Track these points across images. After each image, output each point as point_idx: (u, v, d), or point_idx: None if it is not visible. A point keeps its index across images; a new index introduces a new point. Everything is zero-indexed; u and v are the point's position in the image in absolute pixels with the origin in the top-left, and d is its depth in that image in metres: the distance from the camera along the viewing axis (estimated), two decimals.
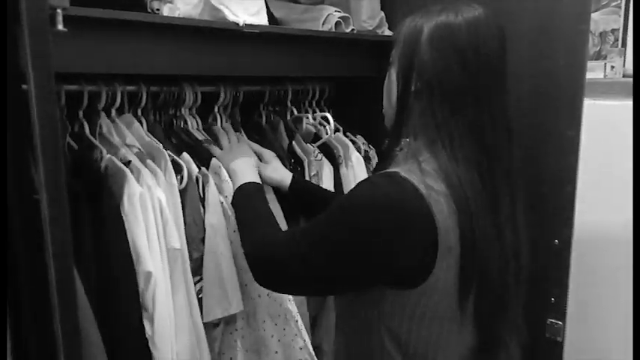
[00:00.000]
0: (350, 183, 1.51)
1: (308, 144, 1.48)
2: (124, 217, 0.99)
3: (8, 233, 0.83)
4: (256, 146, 1.32)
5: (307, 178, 1.43)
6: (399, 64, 0.93)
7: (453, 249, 0.84)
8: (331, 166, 1.46)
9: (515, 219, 0.94)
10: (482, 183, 0.88)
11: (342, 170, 1.51)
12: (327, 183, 1.46)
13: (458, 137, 0.87)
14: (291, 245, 0.93)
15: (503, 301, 0.92)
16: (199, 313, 1.10)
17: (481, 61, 0.89)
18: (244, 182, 1.15)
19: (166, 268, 1.03)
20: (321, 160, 1.45)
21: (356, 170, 1.52)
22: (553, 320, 1.37)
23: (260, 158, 1.29)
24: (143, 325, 1.00)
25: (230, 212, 1.16)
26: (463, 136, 0.88)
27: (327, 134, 1.54)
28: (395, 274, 0.86)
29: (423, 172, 0.86)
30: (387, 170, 0.89)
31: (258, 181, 1.18)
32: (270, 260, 0.96)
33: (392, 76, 0.96)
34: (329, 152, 1.50)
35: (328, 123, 1.51)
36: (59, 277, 0.77)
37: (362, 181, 0.91)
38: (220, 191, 1.17)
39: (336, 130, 1.54)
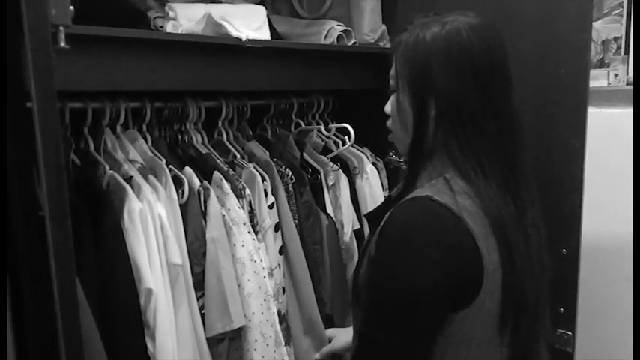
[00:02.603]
0: (366, 195, 1.53)
1: (321, 156, 1.49)
2: (124, 234, 0.99)
3: (14, 250, 0.84)
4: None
5: (325, 188, 1.44)
6: (412, 89, 0.88)
7: (496, 271, 0.82)
8: (347, 178, 1.47)
9: (539, 232, 0.92)
10: (514, 202, 0.86)
11: (358, 182, 1.53)
12: (345, 193, 1.47)
13: (487, 162, 0.85)
14: (367, 342, 0.86)
15: (538, 318, 0.90)
16: (203, 329, 1.10)
17: (495, 76, 0.86)
18: None
19: (168, 285, 1.03)
20: (338, 170, 1.46)
21: (371, 182, 1.53)
22: (562, 331, 1.35)
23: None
24: (145, 342, 1.00)
25: (230, 225, 1.16)
26: (491, 158, 0.85)
27: (336, 146, 1.55)
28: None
29: (453, 192, 0.83)
30: (417, 195, 0.84)
31: None
32: None
33: (403, 103, 0.90)
34: (343, 164, 1.51)
35: (347, 135, 1.52)
36: (62, 295, 0.77)
37: (389, 224, 0.84)
38: (222, 204, 1.17)
39: (344, 142, 1.55)
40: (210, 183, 1.19)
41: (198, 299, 1.11)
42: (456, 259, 0.80)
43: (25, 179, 0.86)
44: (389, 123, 0.97)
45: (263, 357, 1.17)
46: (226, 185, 1.19)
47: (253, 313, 1.17)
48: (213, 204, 1.14)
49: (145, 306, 0.99)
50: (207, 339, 1.12)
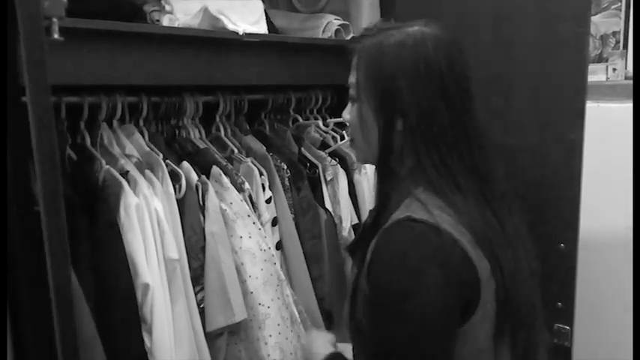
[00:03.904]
0: (364, 190, 1.52)
1: (319, 150, 1.48)
2: (120, 229, 0.98)
3: (9, 246, 0.83)
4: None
5: (323, 182, 1.43)
6: (376, 103, 0.85)
7: (490, 278, 0.81)
8: (345, 173, 1.47)
9: (524, 241, 0.90)
10: (493, 215, 0.85)
11: (356, 177, 1.52)
12: (344, 188, 1.47)
13: (462, 179, 0.83)
14: None
15: (535, 324, 0.89)
16: (200, 323, 1.10)
17: (461, 91, 0.85)
18: None
19: (165, 280, 1.02)
20: (336, 165, 1.46)
21: (370, 177, 1.53)
22: (560, 325, 1.35)
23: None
24: (142, 337, 0.99)
25: (234, 218, 1.16)
26: (465, 174, 0.84)
27: (334, 141, 1.54)
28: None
29: (427, 207, 0.80)
30: (396, 219, 0.81)
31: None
32: None
33: (366, 115, 0.87)
34: (341, 159, 1.51)
35: (345, 129, 1.51)
36: (58, 289, 0.77)
37: (377, 257, 0.81)
38: (222, 199, 1.16)
39: (342, 137, 1.54)
40: (208, 177, 1.18)
41: (196, 294, 1.11)
42: (453, 274, 0.78)
43: (21, 175, 0.86)
44: (349, 132, 0.94)
45: (287, 338, 1.19)
46: (226, 179, 1.18)
47: (272, 300, 1.18)
48: (211, 198, 1.14)
49: (141, 301, 0.99)
50: (206, 333, 1.11)
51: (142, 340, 0.99)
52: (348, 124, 0.93)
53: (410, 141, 0.84)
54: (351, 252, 0.98)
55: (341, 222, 1.47)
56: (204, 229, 1.13)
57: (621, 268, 1.65)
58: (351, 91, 0.90)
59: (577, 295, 1.32)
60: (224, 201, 1.17)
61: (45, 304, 0.79)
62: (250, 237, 1.17)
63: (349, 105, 0.92)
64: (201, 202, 1.15)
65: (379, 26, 0.88)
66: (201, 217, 1.14)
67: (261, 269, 1.17)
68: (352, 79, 0.89)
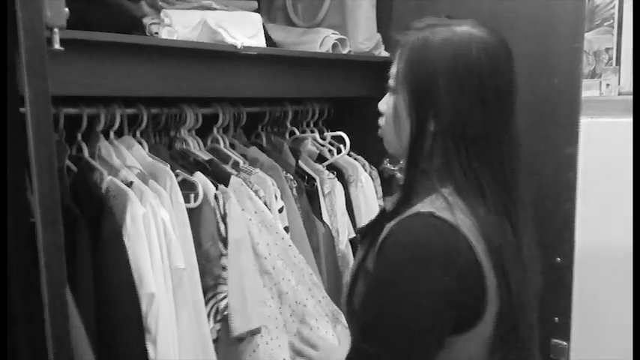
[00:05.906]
0: (360, 203, 1.52)
1: (316, 163, 1.49)
2: (126, 239, 0.98)
3: (5, 256, 0.82)
4: None
5: (321, 196, 1.43)
6: (412, 98, 0.85)
7: (496, 292, 0.79)
8: (341, 186, 1.47)
9: (533, 252, 0.89)
10: (512, 228, 0.83)
11: (352, 190, 1.53)
12: (341, 201, 1.47)
13: (486, 185, 0.82)
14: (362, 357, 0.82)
15: (530, 344, 0.88)
16: (208, 333, 1.09)
17: (502, 99, 0.83)
18: None
19: (170, 289, 1.02)
20: (333, 178, 1.46)
21: (366, 190, 1.53)
22: (557, 341, 1.35)
23: None
24: (146, 347, 0.98)
25: (260, 227, 1.18)
26: (490, 182, 0.82)
27: (330, 154, 1.54)
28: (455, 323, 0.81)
29: (452, 208, 0.80)
30: (419, 211, 0.81)
31: None
32: None
33: (400, 109, 0.86)
34: (337, 172, 1.51)
35: (342, 142, 1.52)
36: (53, 302, 0.75)
37: (392, 240, 0.81)
38: (245, 208, 1.17)
39: (339, 150, 1.55)
40: (220, 187, 1.19)
41: (213, 298, 1.12)
42: (462, 280, 0.78)
43: (17, 186, 0.85)
44: (381, 121, 0.93)
45: (326, 332, 1.20)
46: (247, 189, 1.19)
47: (307, 299, 1.20)
48: (233, 207, 1.14)
49: (146, 311, 0.98)
50: (225, 340, 1.13)
51: (146, 351, 0.98)
52: (382, 113, 0.93)
53: (441, 141, 0.83)
54: (362, 234, 0.98)
55: (338, 235, 1.47)
56: (225, 238, 1.14)
57: (618, 282, 1.65)
58: (391, 82, 0.90)
59: (574, 310, 1.32)
60: (248, 210, 1.17)
61: (39, 318, 0.78)
62: (277, 244, 1.19)
63: (387, 96, 0.92)
64: (221, 211, 1.15)
65: (427, 22, 0.87)
66: (222, 226, 1.14)
67: (292, 271, 1.19)
68: (394, 69, 0.89)
